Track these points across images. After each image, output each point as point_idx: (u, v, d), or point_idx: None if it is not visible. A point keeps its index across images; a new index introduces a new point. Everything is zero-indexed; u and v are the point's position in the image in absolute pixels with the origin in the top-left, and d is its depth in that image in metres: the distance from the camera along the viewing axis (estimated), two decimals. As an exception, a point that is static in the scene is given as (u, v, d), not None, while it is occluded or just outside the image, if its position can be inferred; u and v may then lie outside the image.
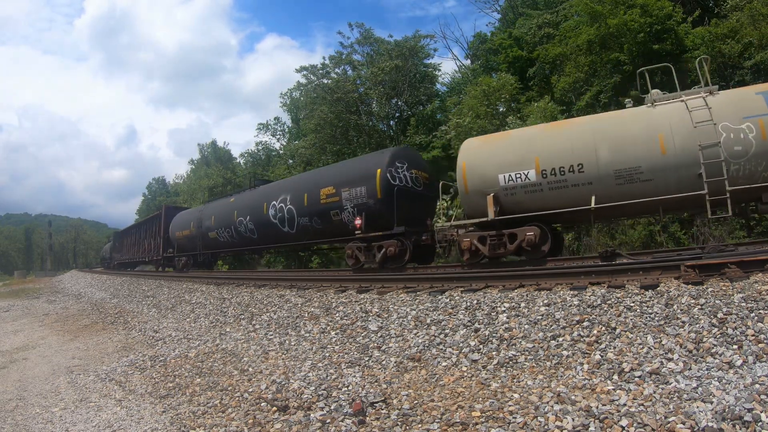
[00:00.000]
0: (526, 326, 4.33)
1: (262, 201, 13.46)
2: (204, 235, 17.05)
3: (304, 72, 28.57)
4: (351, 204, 10.37)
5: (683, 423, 2.63)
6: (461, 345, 4.40)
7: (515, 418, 3.01)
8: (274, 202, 12.87)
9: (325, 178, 11.54)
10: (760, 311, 3.51)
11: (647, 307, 4.06)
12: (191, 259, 19.10)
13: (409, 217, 9.88)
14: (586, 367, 3.53)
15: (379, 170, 9.84)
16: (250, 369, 5.01)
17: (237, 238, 15.13)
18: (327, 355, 5.03)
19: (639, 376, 3.22)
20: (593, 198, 7.34)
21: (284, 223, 12.53)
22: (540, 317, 4.40)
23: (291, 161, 29.37)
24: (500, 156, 8.35)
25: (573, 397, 3.13)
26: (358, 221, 10.00)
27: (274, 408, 3.79)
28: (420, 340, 4.72)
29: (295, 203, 12.09)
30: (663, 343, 3.50)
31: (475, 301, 5.16)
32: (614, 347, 3.64)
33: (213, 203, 18.37)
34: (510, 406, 3.17)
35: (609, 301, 4.32)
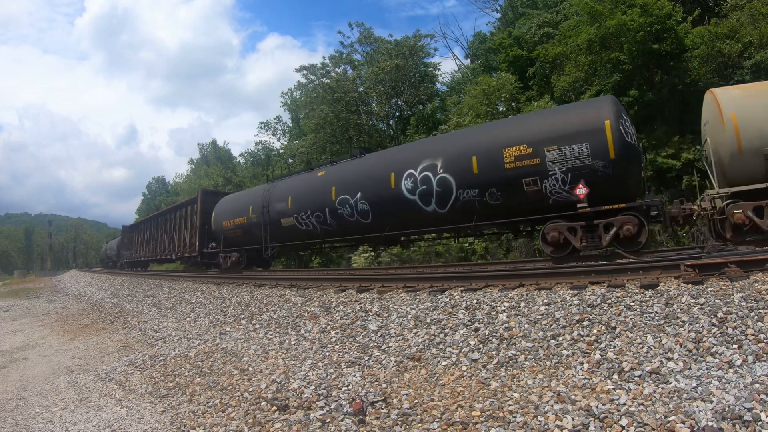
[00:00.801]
0: (526, 326, 4.33)
1: (387, 171, 10.03)
2: (273, 222, 13.08)
3: (304, 72, 28.61)
4: (561, 168, 7.59)
5: (683, 422, 2.63)
6: (461, 344, 4.40)
7: (515, 417, 3.01)
8: (412, 171, 9.48)
9: (511, 133, 8.44)
10: (760, 311, 3.51)
11: (647, 306, 4.06)
12: (244, 255, 14.95)
13: (635, 185, 7.86)
14: (586, 366, 3.53)
15: (607, 122, 7.37)
16: (250, 368, 5.01)
17: (334, 224, 11.28)
18: (327, 354, 5.03)
19: (639, 376, 3.22)
20: None
21: (429, 200, 9.16)
22: (540, 317, 4.41)
23: (291, 161, 29.39)
24: None
25: (573, 397, 3.13)
26: (581, 190, 7.42)
27: (274, 407, 3.79)
28: (420, 340, 4.73)
29: (453, 170, 8.83)
30: (663, 342, 3.50)
31: (475, 301, 5.16)
32: (614, 347, 3.64)
33: (286, 180, 13.85)
34: (510, 405, 3.17)
35: (609, 301, 4.32)
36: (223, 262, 15.70)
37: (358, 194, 10.51)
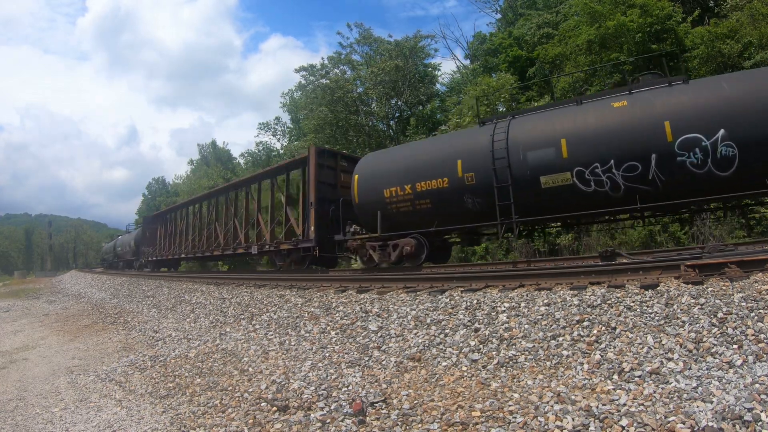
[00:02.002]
0: (526, 326, 4.33)
1: None
2: (521, 183, 7.81)
3: (303, 72, 28.63)
4: None
5: (683, 423, 2.63)
6: (461, 345, 4.40)
7: (515, 417, 3.01)
8: None
9: None
10: (760, 311, 3.51)
11: (647, 306, 4.06)
12: (425, 243, 9.16)
13: None
14: (586, 366, 3.53)
15: None
16: (250, 369, 5.01)
17: (662, 181, 6.91)
18: (327, 355, 5.03)
19: (639, 376, 3.22)
20: None
21: None
22: (540, 317, 4.40)
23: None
24: None
25: (573, 397, 3.13)
26: None
27: (274, 408, 3.79)
28: (420, 340, 4.72)
29: None
30: (663, 342, 3.50)
31: (475, 301, 5.16)
32: (614, 347, 3.64)
33: (542, 116, 8.21)
34: (510, 405, 3.17)
35: (609, 301, 4.32)
36: (379, 256, 9.78)
37: (720, 133, 6.55)
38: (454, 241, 10.65)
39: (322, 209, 11.40)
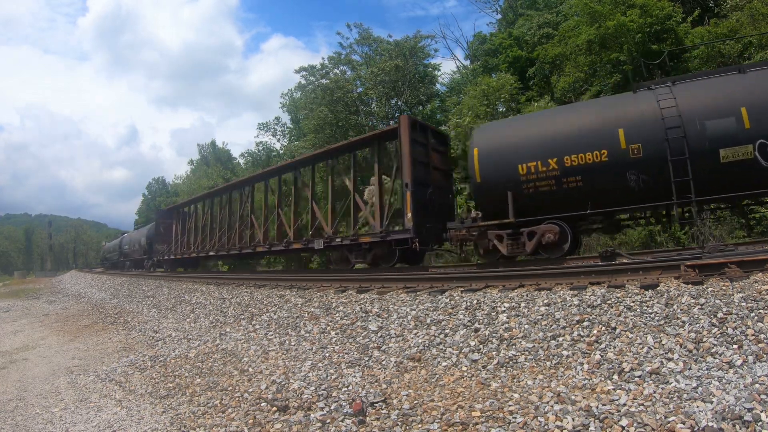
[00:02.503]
0: (526, 326, 4.33)
1: None
2: (702, 155, 6.79)
3: (303, 72, 28.63)
4: None
5: (683, 423, 2.63)
6: (461, 345, 4.40)
7: (515, 418, 3.01)
8: None
9: None
10: (760, 311, 3.51)
11: (647, 306, 4.06)
12: (567, 230, 7.63)
13: None
14: (586, 366, 3.53)
15: None
16: (250, 369, 5.01)
17: None
18: (327, 355, 5.03)
19: (639, 376, 3.22)
20: None
21: None
22: (540, 317, 4.40)
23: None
24: None
25: (573, 397, 3.13)
26: None
27: (274, 408, 3.79)
28: (420, 340, 4.72)
29: None
30: (663, 342, 3.50)
31: (475, 301, 5.16)
32: (614, 347, 3.64)
33: (721, 81, 7.20)
34: (510, 406, 3.17)
35: (609, 301, 4.32)
36: (509, 247, 7.97)
37: None
38: (587, 229, 8.87)
39: (419, 192, 9.50)
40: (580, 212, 7.54)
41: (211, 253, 17.66)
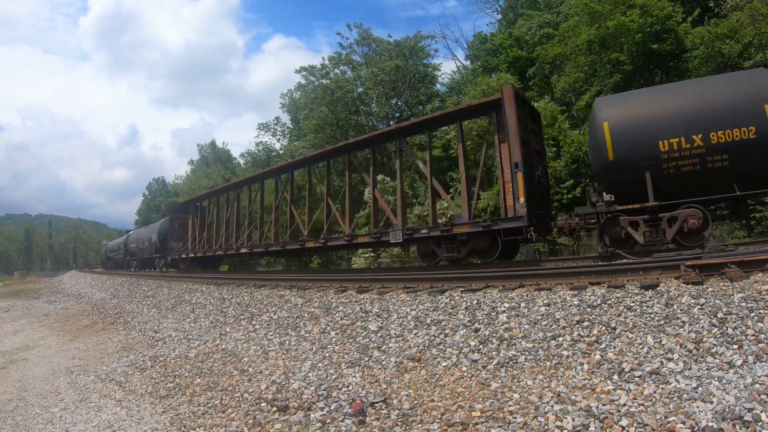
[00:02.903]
0: (526, 326, 4.33)
1: None
2: None
3: (303, 72, 28.66)
4: None
5: (683, 423, 2.63)
6: (461, 345, 4.40)
7: (515, 418, 3.01)
8: None
9: None
10: (760, 311, 3.51)
11: (647, 307, 4.05)
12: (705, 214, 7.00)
13: None
14: (586, 367, 3.53)
15: None
16: (250, 369, 5.01)
17: None
18: (327, 355, 5.03)
19: (639, 376, 3.22)
20: None
21: None
22: (540, 317, 4.40)
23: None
24: None
25: (573, 397, 3.13)
26: None
27: (274, 408, 3.78)
28: (420, 340, 4.72)
29: None
30: (663, 342, 3.49)
31: (475, 301, 5.16)
32: (614, 347, 3.64)
33: None
34: (510, 406, 3.17)
35: (609, 301, 4.32)
36: (645, 235, 7.19)
37: None
38: (720, 215, 7.97)
39: (529, 174, 8.33)
40: (728, 194, 6.83)
41: (243, 251, 15.42)
